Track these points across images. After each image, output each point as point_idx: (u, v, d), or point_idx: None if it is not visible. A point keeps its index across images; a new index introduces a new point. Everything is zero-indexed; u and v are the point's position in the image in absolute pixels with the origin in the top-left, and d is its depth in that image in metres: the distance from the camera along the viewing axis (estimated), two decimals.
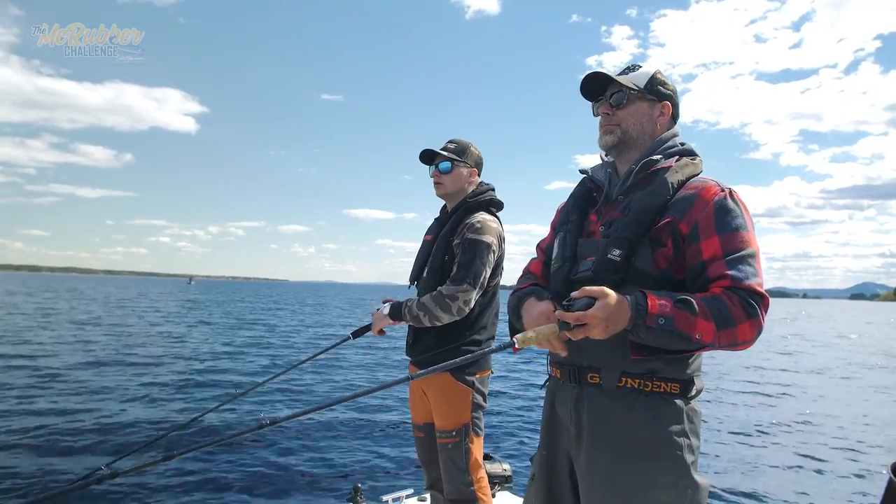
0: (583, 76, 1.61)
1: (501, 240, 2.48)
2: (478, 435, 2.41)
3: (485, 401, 2.44)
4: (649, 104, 1.59)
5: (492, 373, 2.53)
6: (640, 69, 1.61)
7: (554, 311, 1.42)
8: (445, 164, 2.52)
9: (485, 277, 2.36)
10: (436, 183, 2.56)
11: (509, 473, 3.49)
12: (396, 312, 2.43)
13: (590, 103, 1.68)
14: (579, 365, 1.49)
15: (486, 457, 3.18)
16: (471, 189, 2.57)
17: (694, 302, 1.29)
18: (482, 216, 2.45)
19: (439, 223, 2.61)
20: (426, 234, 2.68)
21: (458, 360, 1.44)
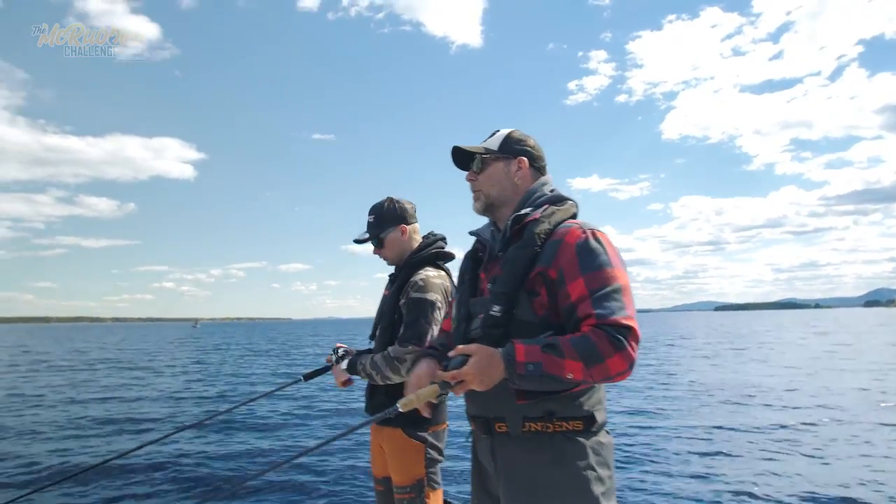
0: (449, 150, 1.75)
1: (448, 294, 2.48)
2: (434, 489, 2.41)
3: (440, 455, 2.44)
4: (505, 163, 1.72)
5: (447, 426, 2.52)
6: (498, 133, 1.76)
7: (432, 372, 1.59)
8: (375, 242, 2.58)
9: (432, 335, 2.35)
10: (382, 258, 2.61)
11: None
12: (353, 368, 2.46)
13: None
14: (487, 416, 1.59)
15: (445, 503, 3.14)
16: (414, 244, 2.58)
17: (560, 344, 1.37)
18: (426, 273, 2.45)
19: (391, 279, 2.64)
20: (385, 289, 2.69)
21: (369, 419, 1.53)
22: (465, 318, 1.66)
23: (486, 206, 1.73)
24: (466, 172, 1.78)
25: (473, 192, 1.75)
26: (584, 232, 1.53)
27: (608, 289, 1.43)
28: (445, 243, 2.64)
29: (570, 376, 1.36)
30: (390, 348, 2.35)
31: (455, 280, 2.55)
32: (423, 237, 2.64)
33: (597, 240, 1.51)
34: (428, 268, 2.50)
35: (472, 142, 1.79)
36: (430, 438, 2.40)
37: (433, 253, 2.56)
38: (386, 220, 2.57)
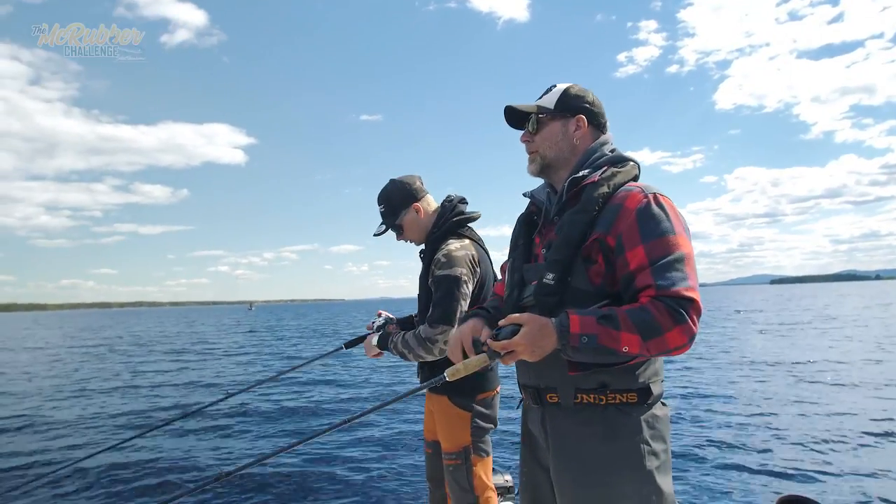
0: (503, 109, 1.66)
1: (475, 262, 2.39)
2: (481, 457, 2.39)
3: (489, 423, 2.41)
4: (562, 122, 1.61)
5: (499, 391, 2.49)
6: (554, 89, 1.64)
7: (477, 331, 1.54)
8: (395, 230, 2.53)
9: (462, 311, 2.30)
10: (408, 242, 2.59)
11: (511, 485, 3.44)
12: (384, 343, 2.45)
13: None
14: (538, 386, 1.55)
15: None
16: (433, 218, 2.51)
17: (617, 316, 1.31)
18: (448, 247, 2.37)
19: (422, 260, 2.58)
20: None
21: (410, 389, 1.54)
22: (517, 284, 1.60)
23: (542, 168, 1.64)
24: (520, 133, 1.69)
25: (529, 153, 1.65)
26: (646, 196, 1.43)
27: (670, 258, 1.35)
28: (466, 204, 2.56)
29: (625, 349, 1.30)
30: (421, 328, 2.32)
31: (482, 244, 2.52)
32: (442, 205, 2.56)
33: (659, 205, 1.42)
34: (450, 240, 2.43)
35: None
36: (477, 407, 2.38)
37: (453, 222, 2.48)
38: (396, 205, 2.51)
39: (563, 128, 1.61)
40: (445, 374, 1.44)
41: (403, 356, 2.37)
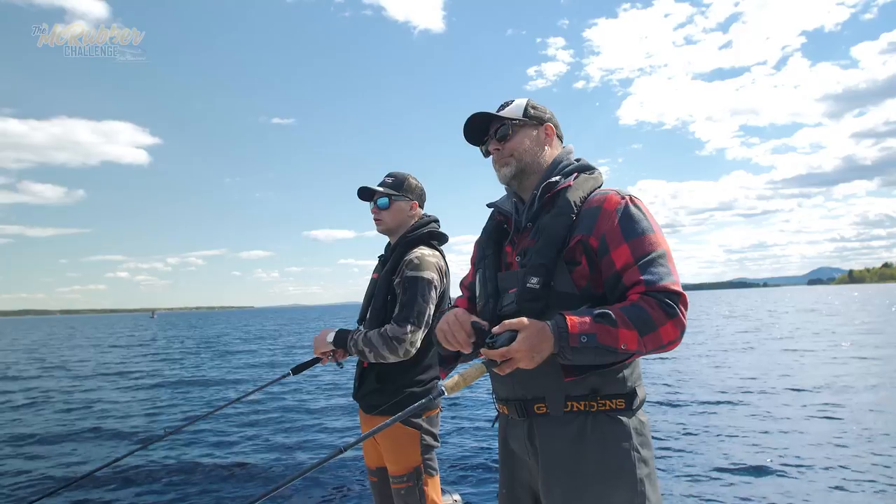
0: (464, 120, 1.66)
1: (444, 273, 2.43)
2: (431, 476, 2.35)
3: (436, 440, 2.38)
4: (533, 129, 1.65)
5: (441, 410, 2.48)
6: (514, 102, 1.67)
7: (469, 315, 1.48)
8: (383, 200, 2.48)
9: (429, 315, 2.29)
10: (375, 219, 2.51)
11: None
12: (341, 341, 2.35)
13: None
14: (525, 398, 1.50)
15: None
16: (412, 223, 2.52)
17: (612, 313, 1.31)
18: (421, 251, 2.39)
19: (382, 261, 2.56)
20: (373, 272, 2.62)
21: (399, 414, 1.39)
22: (493, 294, 1.57)
23: (517, 172, 1.63)
24: (477, 147, 1.72)
25: (500, 159, 1.64)
26: (623, 198, 1.47)
27: (653, 254, 1.38)
28: (438, 224, 2.57)
29: (624, 346, 1.29)
30: (387, 327, 2.26)
31: (447, 261, 2.52)
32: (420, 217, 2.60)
33: (636, 205, 1.46)
34: (423, 247, 2.44)
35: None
36: (424, 424, 2.34)
37: (427, 233, 2.49)
38: (404, 188, 2.51)
39: (536, 135, 1.65)
40: (442, 387, 1.33)
41: (362, 354, 2.30)
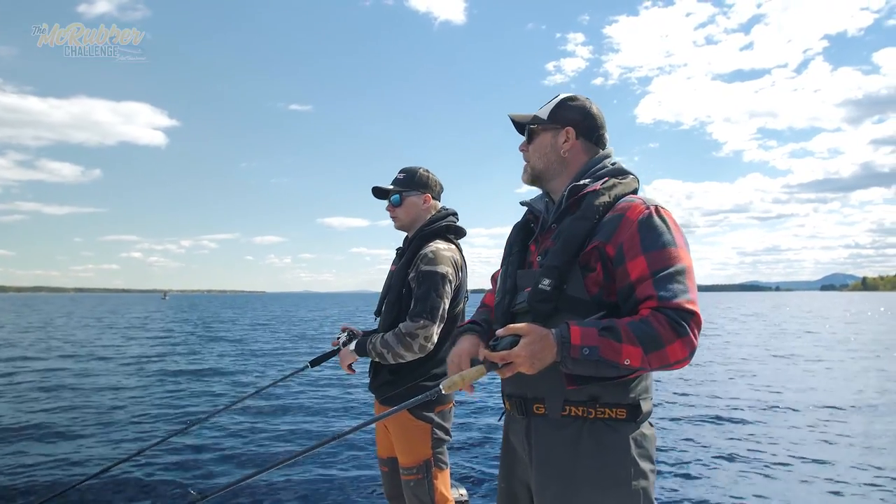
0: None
1: (459, 267, 2.43)
2: (441, 469, 2.38)
3: (447, 435, 2.40)
4: (552, 133, 1.62)
5: (454, 405, 2.50)
6: (555, 98, 1.65)
7: (475, 349, 1.50)
8: (395, 197, 2.51)
9: (444, 309, 2.30)
10: (391, 217, 2.54)
11: (466, 499, 3.45)
12: (362, 349, 2.40)
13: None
14: (525, 396, 1.51)
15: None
16: (428, 216, 2.52)
17: (619, 328, 1.28)
18: (436, 245, 2.39)
19: (399, 254, 2.58)
20: (392, 264, 2.64)
21: (405, 403, 1.43)
22: (510, 290, 1.57)
23: (533, 179, 1.66)
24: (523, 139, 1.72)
25: (525, 163, 1.67)
26: (648, 207, 1.42)
27: (671, 269, 1.34)
28: (457, 218, 2.58)
29: (627, 362, 1.27)
30: (402, 324, 2.28)
31: (464, 255, 2.55)
32: (438, 210, 2.60)
33: (661, 217, 1.41)
34: (438, 241, 2.44)
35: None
36: (436, 419, 2.36)
37: (444, 226, 2.49)
38: (415, 182, 2.51)
39: (552, 139, 1.62)
40: (441, 386, 1.36)
41: (382, 357, 2.32)
